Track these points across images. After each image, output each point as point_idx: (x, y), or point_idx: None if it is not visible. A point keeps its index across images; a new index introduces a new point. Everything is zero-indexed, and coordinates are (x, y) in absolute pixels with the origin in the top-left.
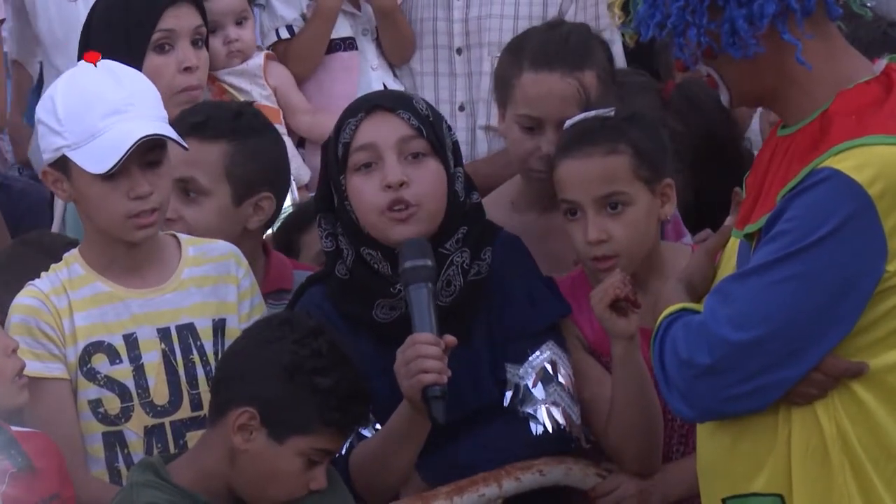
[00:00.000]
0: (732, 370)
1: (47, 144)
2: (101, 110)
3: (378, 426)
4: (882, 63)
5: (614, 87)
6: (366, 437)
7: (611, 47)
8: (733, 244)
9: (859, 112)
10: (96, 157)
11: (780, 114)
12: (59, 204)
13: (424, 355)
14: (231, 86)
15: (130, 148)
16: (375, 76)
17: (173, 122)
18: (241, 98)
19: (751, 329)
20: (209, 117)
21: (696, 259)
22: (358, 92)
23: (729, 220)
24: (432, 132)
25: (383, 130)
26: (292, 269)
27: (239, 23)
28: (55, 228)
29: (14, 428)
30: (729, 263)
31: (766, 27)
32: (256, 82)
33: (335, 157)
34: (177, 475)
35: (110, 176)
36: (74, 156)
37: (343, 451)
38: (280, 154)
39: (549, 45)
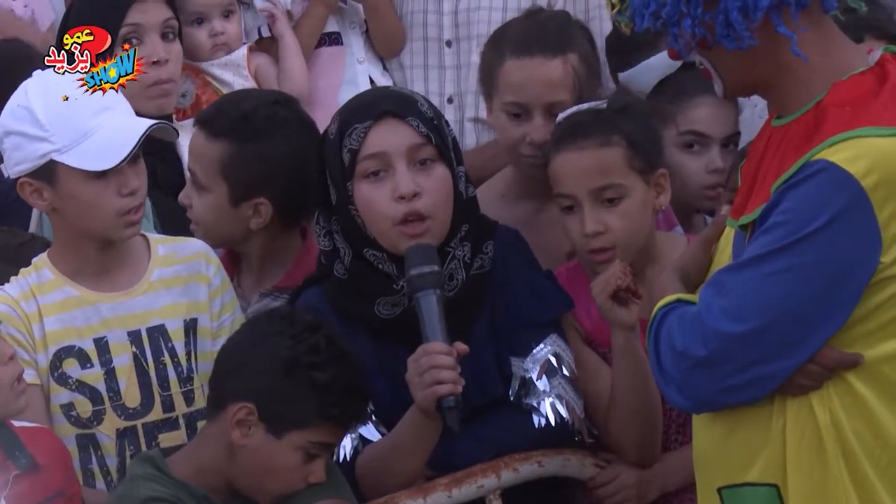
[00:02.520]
0: (727, 362)
1: (26, 154)
2: (90, 108)
3: (382, 430)
4: (877, 54)
5: (599, 71)
6: (370, 440)
7: (596, 37)
8: (728, 234)
9: (853, 103)
10: (95, 156)
11: (775, 104)
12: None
13: (438, 366)
14: (214, 77)
15: (142, 137)
16: (361, 69)
17: None
18: (224, 90)
19: (745, 321)
20: (219, 114)
21: (692, 249)
22: (342, 85)
23: (724, 210)
24: (439, 137)
25: (393, 139)
26: None
27: (225, 16)
28: (32, 228)
29: (18, 424)
30: (724, 254)
31: (761, 19)
32: (240, 73)
33: (340, 161)
34: (176, 468)
35: (103, 174)
36: (67, 158)
37: (349, 457)
38: (287, 159)
39: (529, 32)
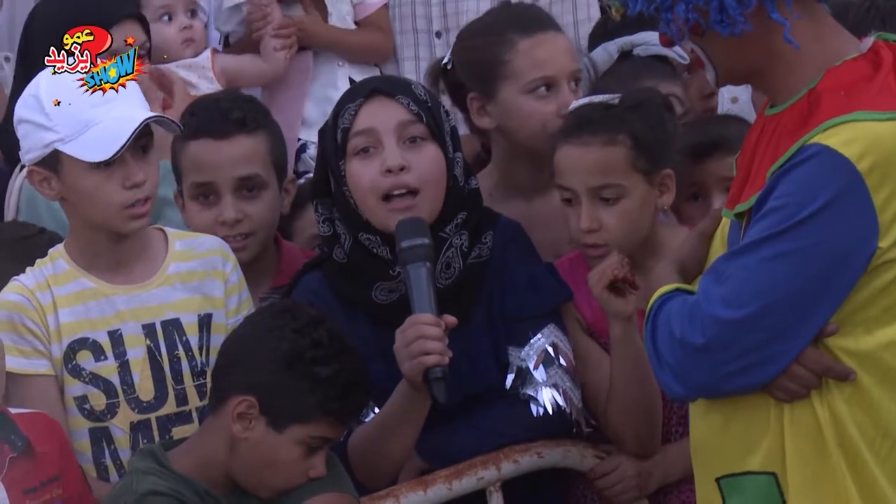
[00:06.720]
0: (725, 348)
1: (34, 142)
2: (91, 100)
3: (376, 410)
4: (869, 41)
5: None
6: (364, 421)
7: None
8: (724, 225)
9: (848, 88)
10: (94, 146)
11: (768, 92)
12: (10, 201)
13: (425, 336)
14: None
15: (135, 130)
16: (342, 73)
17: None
18: (192, 91)
19: (742, 307)
20: (242, 110)
21: (689, 241)
22: (319, 89)
23: (718, 203)
24: (431, 118)
25: (382, 115)
26: (304, 258)
27: (191, 14)
28: (9, 215)
29: (14, 410)
30: (720, 244)
31: (755, 5)
32: (205, 76)
33: (334, 142)
34: (177, 462)
35: (106, 165)
36: (69, 148)
37: (342, 438)
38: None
39: (531, 11)
